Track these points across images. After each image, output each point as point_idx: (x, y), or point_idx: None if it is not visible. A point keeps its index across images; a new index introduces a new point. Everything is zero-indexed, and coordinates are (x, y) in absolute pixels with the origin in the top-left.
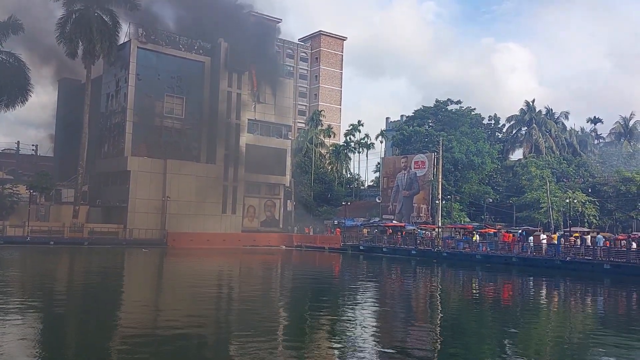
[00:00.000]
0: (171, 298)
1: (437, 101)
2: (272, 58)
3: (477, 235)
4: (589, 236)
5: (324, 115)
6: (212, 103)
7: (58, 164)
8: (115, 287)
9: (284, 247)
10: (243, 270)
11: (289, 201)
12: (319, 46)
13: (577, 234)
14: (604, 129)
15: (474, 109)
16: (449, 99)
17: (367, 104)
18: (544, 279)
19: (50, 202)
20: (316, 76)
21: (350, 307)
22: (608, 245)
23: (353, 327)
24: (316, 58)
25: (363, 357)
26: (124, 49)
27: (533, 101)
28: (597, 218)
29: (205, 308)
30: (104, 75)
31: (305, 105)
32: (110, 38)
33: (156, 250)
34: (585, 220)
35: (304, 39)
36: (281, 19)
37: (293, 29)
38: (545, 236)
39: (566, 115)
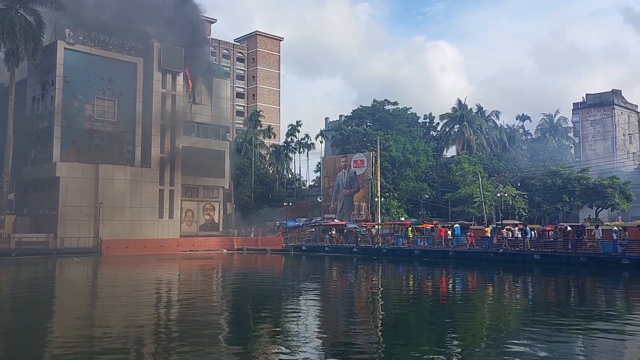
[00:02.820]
0: (105, 309)
1: (374, 101)
2: (205, 57)
3: (411, 230)
4: (517, 228)
5: (262, 116)
6: (146, 105)
7: None
8: (45, 300)
9: (224, 250)
10: (182, 277)
11: (228, 204)
12: (256, 46)
13: (508, 227)
14: (531, 126)
15: (410, 108)
16: (386, 99)
17: (305, 104)
18: (478, 270)
19: None
20: (253, 76)
21: (293, 308)
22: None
23: (296, 328)
24: (253, 58)
25: (307, 357)
26: (50, 51)
27: (465, 99)
28: (527, 211)
29: (142, 318)
30: (29, 77)
31: (244, 106)
32: (34, 39)
33: (89, 259)
34: (516, 213)
35: (239, 39)
36: (215, 19)
37: (226, 29)
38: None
39: (497, 114)
